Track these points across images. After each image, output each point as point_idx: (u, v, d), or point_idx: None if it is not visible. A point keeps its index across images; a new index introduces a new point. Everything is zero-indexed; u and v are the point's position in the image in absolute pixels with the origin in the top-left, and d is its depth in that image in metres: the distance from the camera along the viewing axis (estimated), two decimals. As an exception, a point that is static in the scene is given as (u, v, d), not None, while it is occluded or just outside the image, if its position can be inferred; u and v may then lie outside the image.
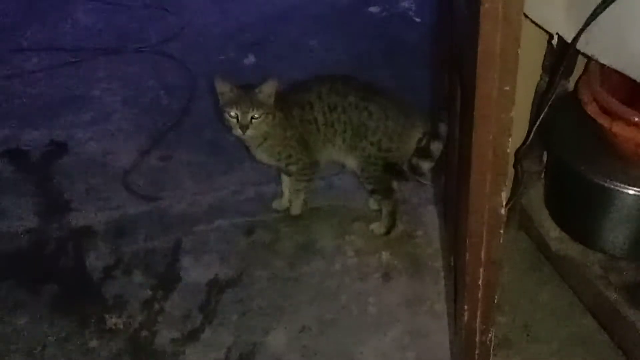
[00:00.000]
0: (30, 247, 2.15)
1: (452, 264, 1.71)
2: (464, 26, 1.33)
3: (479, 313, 1.37)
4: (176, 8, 3.37)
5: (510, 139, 1.19)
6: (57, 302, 1.96)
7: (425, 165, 1.99)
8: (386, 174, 2.03)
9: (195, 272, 2.03)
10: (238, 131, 1.93)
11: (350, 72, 2.80)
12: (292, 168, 2.09)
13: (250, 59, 3.03)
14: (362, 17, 3.29)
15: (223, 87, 1.94)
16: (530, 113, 1.81)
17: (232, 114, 1.91)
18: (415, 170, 2.00)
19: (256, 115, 1.91)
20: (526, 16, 1.48)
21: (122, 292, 1.97)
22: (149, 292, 1.97)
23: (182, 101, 2.77)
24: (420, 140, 1.99)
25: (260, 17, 3.31)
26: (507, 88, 1.14)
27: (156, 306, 1.93)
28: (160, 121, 2.67)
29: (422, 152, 1.98)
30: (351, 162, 2.05)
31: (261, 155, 2.06)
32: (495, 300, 1.36)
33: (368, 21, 3.26)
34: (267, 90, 1.92)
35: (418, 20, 3.24)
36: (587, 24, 1.39)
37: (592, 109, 1.60)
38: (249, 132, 1.92)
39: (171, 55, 3.04)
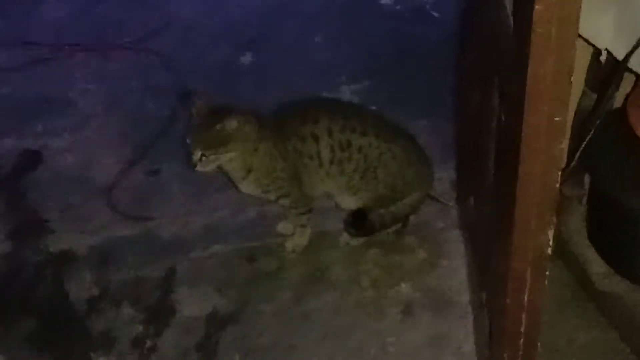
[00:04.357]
0: (4, 274, 2.17)
1: (484, 301, 1.75)
2: (504, 43, 1.37)
3: (519, 362, 1.41)
4: (163, -3, 3.40)
5: (560, 173, 1.24)
6: (35, 338, 1.99)
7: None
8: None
9: (191, 304, 2.06)
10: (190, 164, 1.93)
11: (359, 73, 2.90)
12: (285, 202, 2.11)
13: (248, 57, 3.06)
14: (373, 11, 3.32)
15: (197, 104, 1.95)
16: (571, 132, 1.86)
17: (188, 141, 1.92)
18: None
19: (207, 154, 1.89)
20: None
21: (110, 327, 2.00)
22: (140, 328, 2.00)
23: (170, 105, 2.79)
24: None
25: (258, 9, 3.33)
26: (558, 118, 1.18)
27: (148, 343, 1.96)
28: (147, 129, 2.69)
29: None
30: (350, 202, 2.11)
31: (246, 187, 2.07)
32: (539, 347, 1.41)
33: (379, 15, 3.29)
34: (229, 127, 1.89)
35: (436, 15, 3.28)
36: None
37: (642, 132, 1.65)
38: (199, 169, 1.92)
39: (157, 53, 3.06)
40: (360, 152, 2.02)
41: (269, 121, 2.03)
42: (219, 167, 1.97)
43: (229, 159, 1.93)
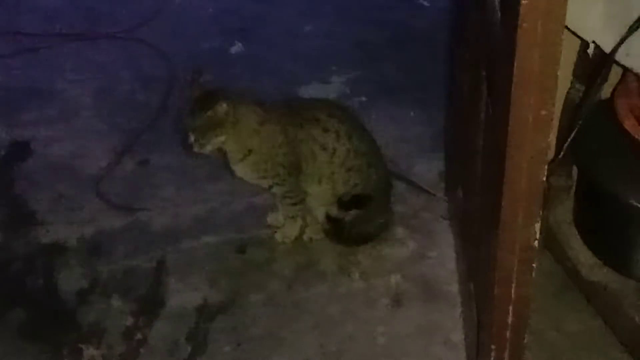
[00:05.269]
0: (-7, 266, 2.18)
1: (472, 292, 1.77)
2: (492, 37, 1.37)
3: (507, 353, 1.42)
4: (153, -13, 3.38)
5: (546, 167, 1.25)
6: (25, 330, 1.98)
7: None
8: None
9: (182, 295, 2.06)
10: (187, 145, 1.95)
11: (350, 63, 2.91)
12: (277, 190, 2.10)
13: (238, 46, 3.06)
14: (364, 0, 3.33)
15: (195, 83, 1.98)
16: (559, 123, 1.87)
17: (184, 122, 1.95)
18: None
19: (199, 139, 1.91)
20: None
21: (100, 319, 2.00)
22: (130, 319, 2.00)
23: (160, 95, 2.79)
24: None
25: (248, -2, 3.34)
26: (544, 112, 1.19)
27: (138, 335, 1.96)
28: (136, 118, 2.69)
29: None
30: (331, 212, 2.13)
31: (242, 170, 2.06)
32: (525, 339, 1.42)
33: (370, 5, 3.30)
34: (220, 112, 1.90)
35: (427, 5, 3.28)
36: (627, 35, 1.44)
37: (629, 124, 1.66)
38: (196, 150, 1.94)
39: (147, 42, 3.06)
40: (369, 168, 2.06)
41: (279, 106, 2.04)
42: (219, 148, 1.97)
43: (223, 142, 1.94)
